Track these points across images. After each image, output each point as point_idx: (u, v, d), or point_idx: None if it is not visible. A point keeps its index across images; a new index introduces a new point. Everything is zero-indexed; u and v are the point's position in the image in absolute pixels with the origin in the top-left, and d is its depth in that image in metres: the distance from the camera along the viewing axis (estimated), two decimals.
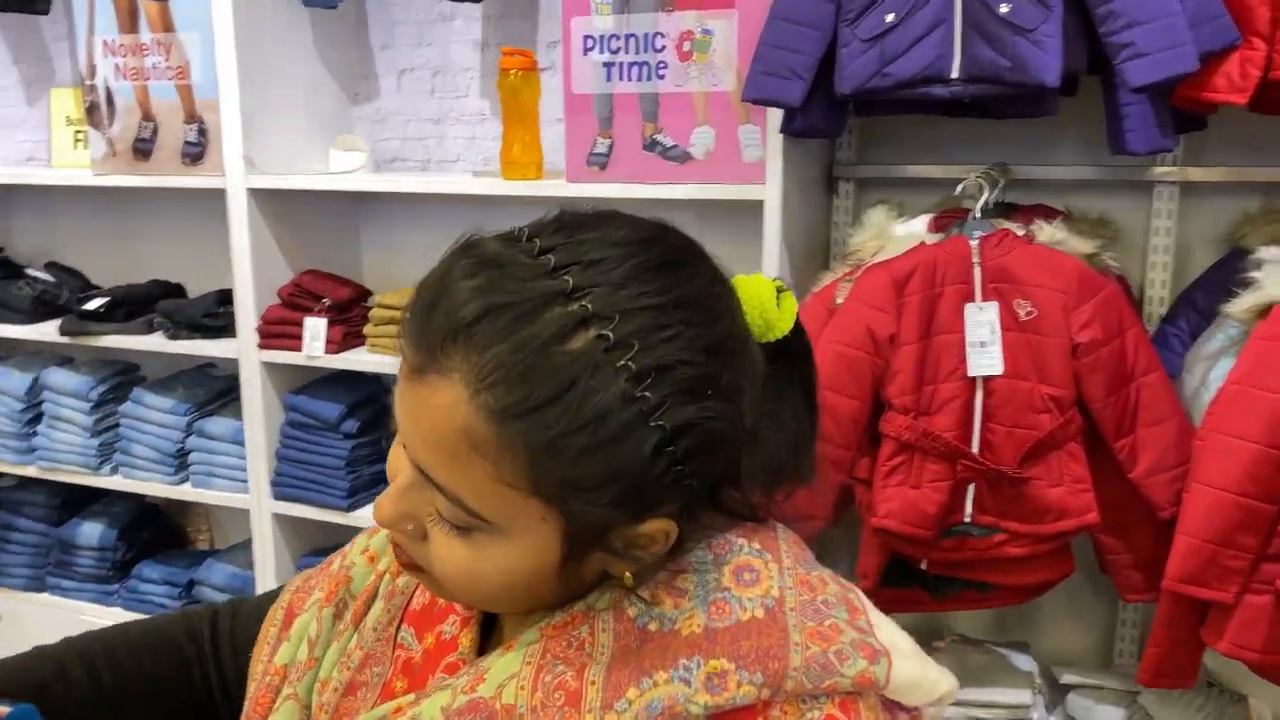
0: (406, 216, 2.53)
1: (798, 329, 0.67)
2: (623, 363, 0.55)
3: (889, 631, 0.64)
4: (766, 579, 0.63)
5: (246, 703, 0.74)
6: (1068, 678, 2.02)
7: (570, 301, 0.56)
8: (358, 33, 2.50)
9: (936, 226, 1.79)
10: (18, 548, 2.73)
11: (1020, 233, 1.73)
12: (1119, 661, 2.09)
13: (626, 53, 1.93)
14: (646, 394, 0.56)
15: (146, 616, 0.88)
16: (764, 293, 0.65)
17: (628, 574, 0.62)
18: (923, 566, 1.78)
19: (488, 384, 0.55)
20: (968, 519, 1.72)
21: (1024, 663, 2.00)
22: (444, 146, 2.50)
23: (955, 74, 1.64)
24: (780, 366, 0.66)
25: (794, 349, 0.67)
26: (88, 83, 2.38)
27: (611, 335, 0.55)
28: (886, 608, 0.67)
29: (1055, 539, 1.71)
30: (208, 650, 0.84)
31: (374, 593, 0.76)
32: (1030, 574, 1.76)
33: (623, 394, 0.55)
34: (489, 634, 0.71)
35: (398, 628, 0.73)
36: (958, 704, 1.88)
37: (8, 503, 2.76)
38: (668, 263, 0.60)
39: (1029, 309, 1.67)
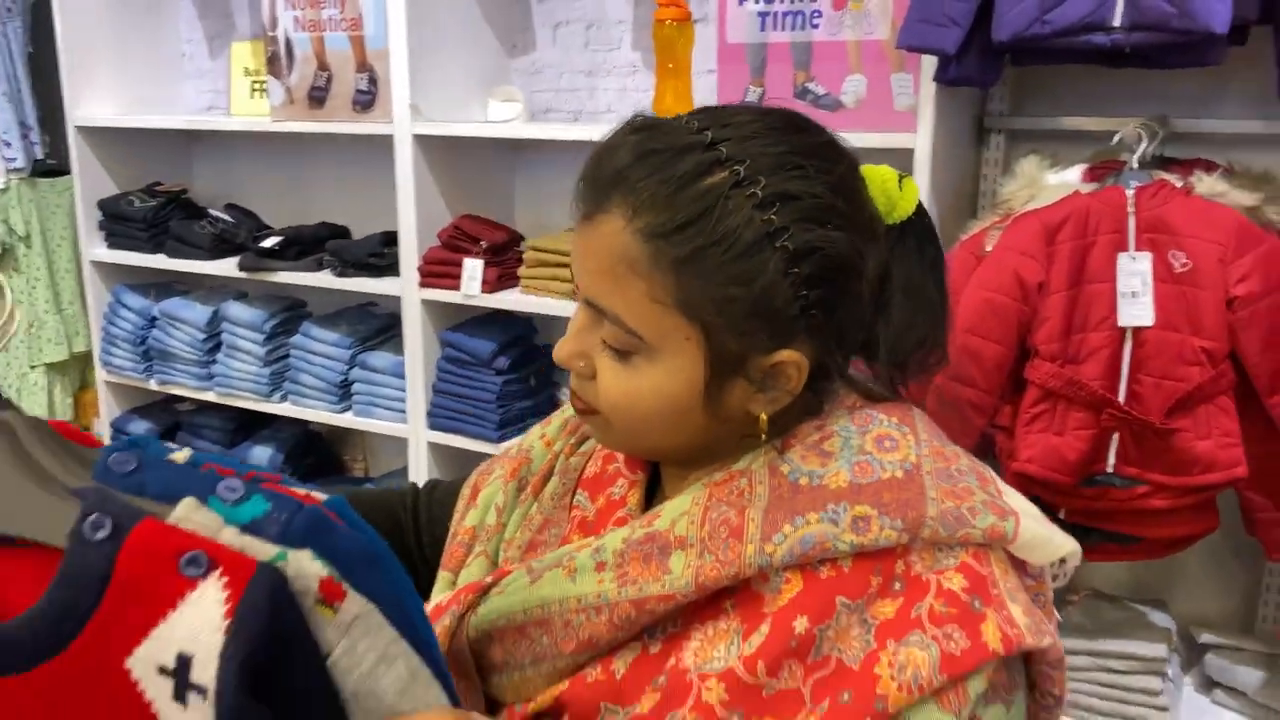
0: (558, 165, 2.63)
1: (921, 212, 0.75)
2: (751, 192, 0.66)
3: (1015, 499, 0.71)
4: (905, 447, 0.70)
5: (443, 558, 0.85)
6: (1206, 638, 2.01)
7: (709, 150, 0.67)
8: None
9: (1091, 176, 1.78)
10: None
11: (1178, 184, 1.71)
12: (1261, 627, 2.06)
13: (781, 2, 1.97)
14: (772, 217, 0.66)
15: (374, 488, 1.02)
16: (887, 175, 0.74)
17: (764, 416, 0.70)
18: (1061, 515, 1.80)
19: (640, 212, 0.66)
20: (1110, 469, 1.73)
21: (1161, 620, 1.99)
22: (595, 98, 2.59)
23: (1118, 21, 1.63)
24: (907, 248, 0.74)
25: (919, 231, 0.75)
26: (269, 34, 2.55)
27: (742, 171, 0.67)
28: None
29: (1201, 492, 1.70)
30: (410, 520, 0.96)
31: (550, 469, 0.86)
32: (1173, 527, 1.76)
33: (751, 217, 0.66)
34: (651, 502, 0.80)
35: (572, 495, 0.83)
36: (1091, 654, 1.89)
37: (189, 424, 3.01)
38: (793, 125, 0.71)
39: (1184, 260, 1.66)
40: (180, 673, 0.44)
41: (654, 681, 0.66)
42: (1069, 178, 1.81)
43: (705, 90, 2.23)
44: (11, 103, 3.13)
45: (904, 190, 0.74)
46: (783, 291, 0.66)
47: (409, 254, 2.48)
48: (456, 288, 2.43)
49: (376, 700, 0.47)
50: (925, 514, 0.66)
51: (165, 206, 2.91)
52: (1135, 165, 1.73)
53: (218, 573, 0.44)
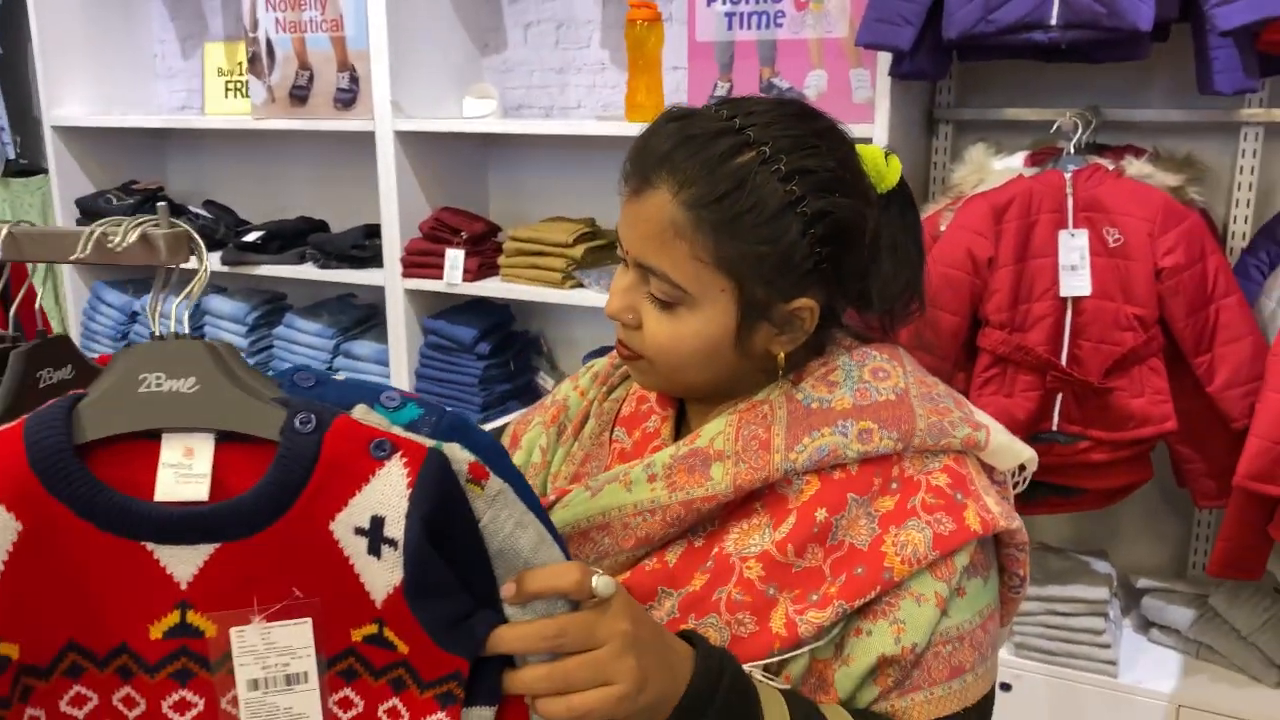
0: (530, 158, 2.76)
1: (903, 184, 0.90)
2: (775, 168, 0.80)
3: (983, 416, 0.87)
4: (895, 376, 0.86)
5: None
6: (1143, 582, 2.20)
7: (738, 134, 0.81)
8: None
9: (1032, 161, 1.95)
10: None
11: (1110, 167, 1.89)
12: (1191, 574, 2.26)
13: (747, 3, 2.12)
14: (794, 188, 0.80)
15: None
16: (876, 153, 0.89)
17: (781, 355, 0.85)
18: None
19: (684, 186, 0.80)
20: (1055, 427, 1.90)
21: (1102, 567, 2.18)
22: (565, 94, 2.72)
23: (1054, 20, 1.80)
24: (893, 214, 0.88)
25: (902, 199, 0.90)
26: (250, 35, 2.64)
27: (767, 151, 0.81)
28: None
29: (1136, 445, 1.88)
30: None
31: (586, 414, 1.00)
32: (1112, 478, 1.94)
33: (776, 189, 0.80)
34: (679, 434, 0.94)
35: (610, 432, 0.96)
36: (1040, 600, 2.07)
37: None
38: (804, 113, 0.85)
39: (1117, 236, 1.84)
40: (374, 531, 0.56)
41: (702, 566, 0.81)
42: (1013, 163, 1.98)
43: (674, 85, 2.37)
44: None
45: (890, 165, 0.88)
46: (801, 249, 0.81)
47: (391, 246, 2.59)
48: (438, 277, 2.54)
49: (516, 555, 0.60)
50: (915, 427, 0.81)
51: (143, 204, 2.97)
52: (1072, 151, 1.90)
53: (399, 454, 0.57)
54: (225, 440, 0.58)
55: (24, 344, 0.68)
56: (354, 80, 2.55)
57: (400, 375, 2.66)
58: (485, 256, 2.57)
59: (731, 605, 0.79)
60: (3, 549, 0.55)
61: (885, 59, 1.98)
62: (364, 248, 2.68)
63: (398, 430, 0.59)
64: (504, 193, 2.82)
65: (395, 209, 2.56)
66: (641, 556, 0.84)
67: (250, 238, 2.77)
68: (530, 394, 2.76)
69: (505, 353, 2.67)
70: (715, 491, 0.80)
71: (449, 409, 0.63)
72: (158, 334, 0.61)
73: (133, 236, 0.60)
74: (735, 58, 2.16)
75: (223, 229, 2.93)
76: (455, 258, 2.51)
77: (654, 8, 2.28)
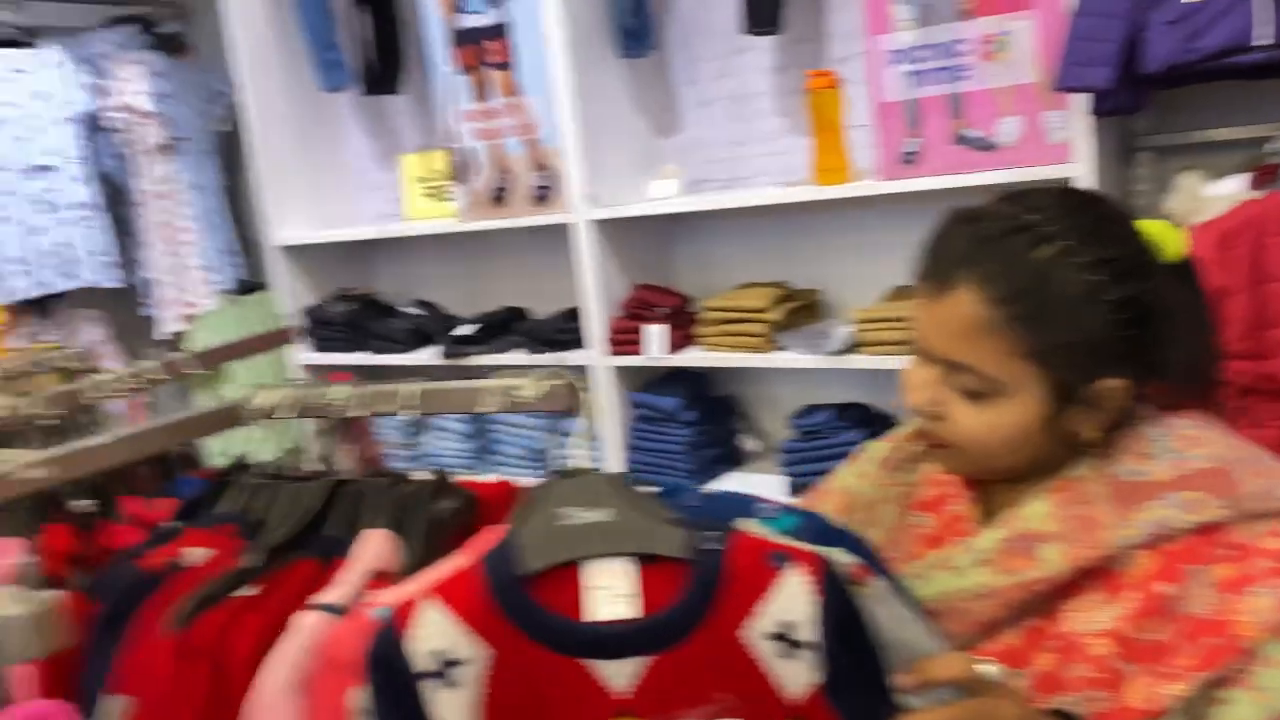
0: (713, 230, 2.85)
1: (1187, 257, 0.93)
2: (1074, 259, 0.83)
3: None
4: (1207, 442, 0.87)
5: None
6: None
7: (1033, 230, 0.85)
8: (663, 73, 2.85)
9: (1256, 184, 1.90)
10: None
11: None
12: None
13: (930, 60, 2.16)
14: (1095, 277, 0.83)
15: None
16: (1159, 227, 0.92)
17: (1095, 433, 0.87)
18: None
19: (987, 285, 0.85)
20: None
21: None
22: (747, 164, 2.80)
23: (1261, 40, 1.76)
24: (1179, 282, 0.91)
25: (1185, 266, 0.93)
26: (454, 146, 2.84)
27: (1064, 244, 0.84)
28: None
29: None
30: None
31: (878, 500, 1.03)
32: None
33: (1078, 280, 0.83)
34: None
35: (909, 516, 1.00)
36: None
37: None
38: (1088, 199, 0.89)
39: None
40: (786, 635, 0.63)
41: (1044, 646, 0.84)
42: (1226, 188, 1.94)
43: (858, 145, 2.42)
44: (215, 231, 3.51)
45: (1173, 237, 0.91)
46: (1108, 334, 0.84)
47: (595, 326, 2.71)
48: (638, 352, 2.65)
49: (904, 646, 0.65)
50: (1244, 490, 0.83)
51: (361, 309, 3.22)
52: None
53: (793, 564, 0.63)
54: (647, 560, 0.66)
55: (421, 486, 0.78)
56: (548, 177, 2.71)
57: (612, 449, 2.76)
58: (682, 328, 2.67)
59: (1084, 683, 0.81)
60: (484, 673, 0.64)
61: (1081, 98, 1.98)
62: (566, 330, 2.82)
63: (785, 540, 0.65)
64: (691, 264, 2.92)
65: (595, 292, 2.69)
66: (978, 640, 0.87)
67: (466, 330, 2.95)
68: (734, 457, 2.83)
69: (709, 418, 2.74)
70: (1050, 573, 0.84)
71: (813, 514, 0.70)
72: (561, 470, 0.70)
73: (538, 390, 0.69)
74: (923, 113, 2.19)
75: (435, 324, 3.13)
76: (658, 332, 2.61)
77: (831, 75, 2.35)
